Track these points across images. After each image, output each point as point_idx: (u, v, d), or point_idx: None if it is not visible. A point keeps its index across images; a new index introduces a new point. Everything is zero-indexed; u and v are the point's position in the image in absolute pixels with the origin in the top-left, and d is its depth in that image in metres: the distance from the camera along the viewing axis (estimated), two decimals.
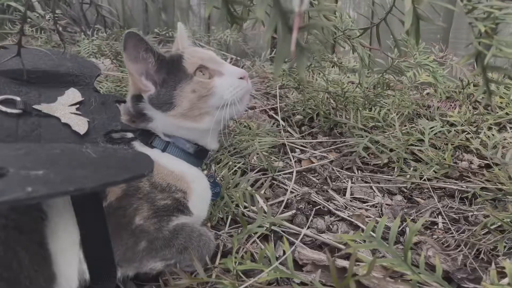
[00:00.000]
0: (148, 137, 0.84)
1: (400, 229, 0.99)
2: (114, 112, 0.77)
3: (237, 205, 1.02)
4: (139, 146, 0.84)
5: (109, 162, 0.58)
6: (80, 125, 0.70)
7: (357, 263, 0.81)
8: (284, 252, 0.89)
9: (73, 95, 0.78)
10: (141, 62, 0.80)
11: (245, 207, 1.03)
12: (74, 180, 0.46)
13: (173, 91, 0.81)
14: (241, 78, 0.85)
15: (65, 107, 0.73)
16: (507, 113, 1.45)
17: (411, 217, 1.03)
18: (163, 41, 2.52)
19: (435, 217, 1.06)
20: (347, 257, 0.86)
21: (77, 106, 0.75)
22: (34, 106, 0.70)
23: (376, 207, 1.11)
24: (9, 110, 0.66)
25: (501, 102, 1.52)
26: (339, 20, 1.16)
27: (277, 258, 0.87)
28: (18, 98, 0.70)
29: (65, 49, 0.89)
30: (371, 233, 0.74)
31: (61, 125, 0.69)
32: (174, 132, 0.85)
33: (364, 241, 0.71)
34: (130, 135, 0.82)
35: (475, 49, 0.64)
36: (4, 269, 0.59)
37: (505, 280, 0.73)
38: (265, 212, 0.89)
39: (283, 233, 0.94)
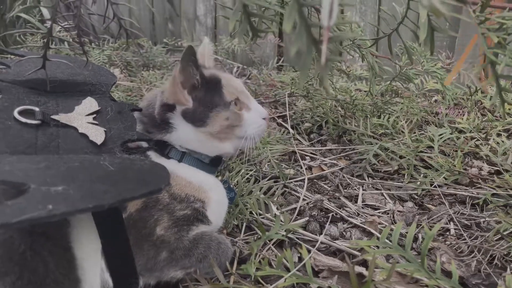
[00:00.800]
0: (164, 148, 0.85)
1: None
2: (130, 121, 0.78)
3: (251, 212, 1.03)
4: (155, 157, 0.84)
5: (126, 175, 0.58)
6: (97, 135, 0.70)
7: (375, 269, 0.82)
8: (299, 259, 0.90)
9: (89, 104, 0.79)
10: (190, 76, 0.82)
11: (259, 214, 1.04)
12: (93, 195, 0.48)
13: (209, 112, 0.84)
14: (263, 118, 0.90)
15: (82, 116, 0.75)
16: None
17: (423, 224, 1.04)
18: (170, 51, 2.55)
19: (447, 223, 1.07)
20: (362, 263, 0.87)
21: (94, 115, 0.76)
22: (52, 116, 0.72)
23: (387, 213, 1.12)
24: (28, 121, 0.68)
25: (509, 109, 1.53)
26: (349, 30, 1.18)
27: (294, 264, 0.89)
28: (36, 109, 0.72)
29: (87, 61, 0.90)
30: (386, 240, 0.75)
31: (78, 135, 0.70)
32: (193, 145, 0.86)
33: (380, 247, 0.72)
34: (145, 144, 0.84)
35: (488, 59, 0.66)
36: (31, 273, 0.60)
37: None
38: (281, 220, 0.90)
39: (297, 240, 0.95)
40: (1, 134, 0.64)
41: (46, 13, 2.92)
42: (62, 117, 0.72)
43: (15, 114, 0.68)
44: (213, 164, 0.89)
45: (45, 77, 0.81)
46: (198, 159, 0.86)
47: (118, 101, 0.87)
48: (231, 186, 0.97)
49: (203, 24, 2.93)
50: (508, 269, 0.82)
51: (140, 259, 0.74)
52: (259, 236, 0.94)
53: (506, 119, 1.48)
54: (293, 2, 0.42)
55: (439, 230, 1.04)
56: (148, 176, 0.59)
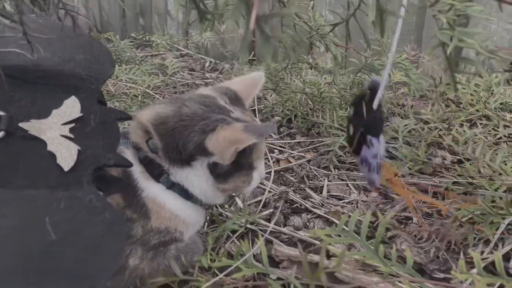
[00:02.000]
0: (155, 169, 0.75)
1: (375, 224, 1.01)
2: (113, 137, 0.65)
3: (216, 207, 1.03)
4: (143, 179, 0.74)
5: (64, 255, 0.48)
6: (67, 156, 0.59)
7: (333, 258, 0.82)
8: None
9: (71, 108, 0.66)
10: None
11: (224, 208, 1.04)
12: None
13: (235, 173, 0.76)
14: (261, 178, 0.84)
15: (57, 126, 0.63)
16: (477, 110, 1.50)
17: (386, 213, 1.06)
18: (141, 46, 2.51)
19: (409, 212, 1.08)
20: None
21: (73, 125, 0.64)
22: (20, 124, 0.60)
23: (352, 203, 1.13)
24: None
25: (471, 100, 1.56)
26: (312, 19, 1.18)
27: (256, 256, 0.89)
28: (2, 113, 0.60)
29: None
30: (345, 227, 0.76)
31: (45, 154, 0.59)
32: (196, 190, 0.77)
33: (338, 235, 0.72)
34: (129, 156, 0.73)
35: (439, 41, 0.67)
36: None
37: (475, 270, 0.76)
38: (241, 211, 0.90)
39: (260, 232, 0.96)
40: None
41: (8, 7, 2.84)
42: (32, 126, 0.61)
43: None
44: None
45: (29, 63, 0.68)
46: (187, 191, 0.77)
47: (107, 105, 0.75)
48: None
49: (174, 19, 2.90)
50: (462, 254, 0.84)
51: None
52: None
53: (469, 109, 1.52)
54: None
55: (402, 218, 1.06)
56: (94, 260, 0.49)
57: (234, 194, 0.83)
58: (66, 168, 0.57)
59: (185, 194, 0.77)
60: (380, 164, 0.66)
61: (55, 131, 0.61)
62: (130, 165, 0.67)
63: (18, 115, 0.61)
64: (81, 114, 0.65)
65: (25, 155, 0.58)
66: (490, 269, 0.82)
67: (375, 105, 0.64)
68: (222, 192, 0.79)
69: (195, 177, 0.75)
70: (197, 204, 0.79)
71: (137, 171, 0.74)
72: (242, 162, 0.76)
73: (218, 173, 0.75)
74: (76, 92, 0.68)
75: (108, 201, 0.56)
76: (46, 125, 0.61)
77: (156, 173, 0.74)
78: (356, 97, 0.69)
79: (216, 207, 1.02)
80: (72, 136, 0.61)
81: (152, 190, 0.74)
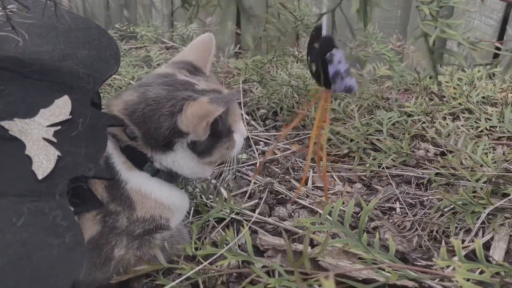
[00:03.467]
0: (139, 159, 0.74)
1: (358, 215, 1.02)
2: (98, 146, 0.62)
3: (201, 196, 1.02)
4: (125, 170, 0.73)
5: (5, 284, 0.44)
6: (44, 163, 0.55)
7: (317, 247, 0.83)
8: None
9: (61, 109, 0.63)
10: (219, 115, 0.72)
11: (209, 199, 1.03)
12: None
13: (216, 144, 0.77)
14: (244, 138, 0.85)
15: (41, 127, 0.59)
16: (460, 103, 1.52)
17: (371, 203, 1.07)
18: (125, 38, 2.48)
19: (393, 203, 1.10)
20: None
21: (58, 127, 0.60)
22: (2, 123, 0.57)
23: (336, 195, 1.13)
24: None
25: (454, 93, 1.59)
26: (297, 9, 1.18)
27: (241, 246, 0.89)
28: None
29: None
30: (328, 216, 0.76)
31: (22, 158, 0.55)
32: (185, 171, 0.78)
33: (322, 224, 0.73)
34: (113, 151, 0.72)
35: (421, 31, 0.67)
36: None
37: (456, 258, 0.77)
38: (225, 201, 0.90)
39: (245, 222, 0.95)
40: None
41: None
42: (14, 125, 0.58)
43: None
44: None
45: (27, 55, 0.66)
46: (170, 175, 0.78)
47: (100, 109, 0.72)
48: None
49: (159, 11, 2.87)
50: (443, 242, 0.85)
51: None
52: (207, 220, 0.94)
53: (451, 103, 1.54)
54: None
55: (385, 209, 1.07)
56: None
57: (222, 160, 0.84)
58: (40, 176, 0.54)
59: (170, 178, 0.77)
60: (348, 70, 0.66)
61: (38, 132, 0.58)
62: (111, 178, 0.65)
63: (2, 111, 0.58)
64: (70, 117, 0.62)
65: (1, 156, 0.55)
66: (471, 257, 0.84)
67: (324, 31, 0.66)
68: (210, 164, 0.81)
69: (181, 160, 0.75)
70: (173, 181, 0.79)
71: (120, 162, 0.73)
72: (219, 131, 0.77)
73: (200, 150, 0.75)
74: (70, 91, 0.66)
75: (74, 220, 0.52)
76: (30, 125, 0.59)
77: (139, 161, 0.74)
78: (309, 42, 0.69)
79: (201, 197, 1.02)
80: (54, 140, 0.59)
81: (136, 180, 0.73)
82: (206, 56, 0.86)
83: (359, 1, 0.59)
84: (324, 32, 0.68)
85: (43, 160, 0.56)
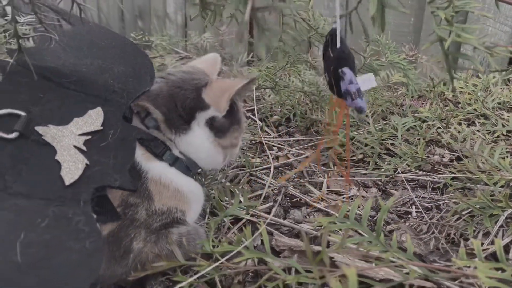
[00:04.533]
0: (158, 147, 0.77)
1: (374, 218, 1.02)
2: (126, 158, 0.63)
3: (214, 198, 1.03)
4: (145, 160, 0.75)
5: (24, 283, 0.45)
6: (72, 170, 0.57)
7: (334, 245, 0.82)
8: (262, 241, 0.90)
9: (94, 119, 0.65)
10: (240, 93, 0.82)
11: (225, 201, 1.04)
12: None
13: (229, 126, 0.84)
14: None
15: (73, 135, 0.61)
16: (475, 109, 1.51)
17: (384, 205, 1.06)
18: (140, 47, 2.51)
19: (409, 207, 1.09)
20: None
21: (89, 137, 0.62)
22: (37, 128, 0.59)
23: (352, 199, 1.13)
24: (2, 134, 0.57)
25: (469, 99, 1.58)
26: (312, 18, 1.19)
27: (256, 247, 0.88)
28: (22, 114, 0.60)
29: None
30: (345, 218, 0.76)
31: (52, 163, 0.57)
32: (200, 154, 0.82)
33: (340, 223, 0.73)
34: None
35: (437, 36, 0.68)
36: None
37: (476, 259, 0.76)
38: (240, 198, 0.91)
39: (260, 222, 0.95)
40: None
41: (9, 10, 2.85)
42: (48, 131, 0.60)
43: None
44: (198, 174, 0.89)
45: (66, 67, 0.69)
46: (188, 167, 0.81)
47: (132, 123, 0.75)
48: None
49: (173, 21, 2.91)
50: (462, 243, 0.84)
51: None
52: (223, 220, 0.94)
53: (467, 108, 1.53)
54: None
55: (401, 213, 1.06)
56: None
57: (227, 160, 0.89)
58: (67, 182, 0.56)
59: (186, 170, 0.80)
60: (359, 90, 0.68)
61: (69, 140, 0.60)
62: (134, 189, 0.65)
63: (38, 117, 0.61)
64: (101, 128, 0.64)
65: (32, 161, 0.57)
66: (489, 260, 0.82)
67: (338, 43, 0.68)
68: (223, 149, 0.84)
69: (198, 139, 0.80)
70: (189, 173, 0.82)
71: (138, 154, 0.74)
72: (234, 115, 0.83)
73: (218, 127, 0.81)
74: (104, 103, 0.68)
75: (96, 227, 0.53)
76: (63, 132, 0.61)
77: (159, 151, 0.77)
78: (323, 47, 0.73)
79: (216, 198, 1.02)
80: (84, 148, 0.60)
81: (156, 170, 0.75)
82: (214, 67, 0.91)
83: (376, 5, 0.59)
84: (338, 43, 0.69)
85: (72, 167, 0.57)
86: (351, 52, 0.72)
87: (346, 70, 0.68)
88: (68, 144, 0.60)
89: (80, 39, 0.80)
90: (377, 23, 0.72)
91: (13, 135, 0.57)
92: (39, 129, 0.59)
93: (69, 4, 0.70)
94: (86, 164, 0.58)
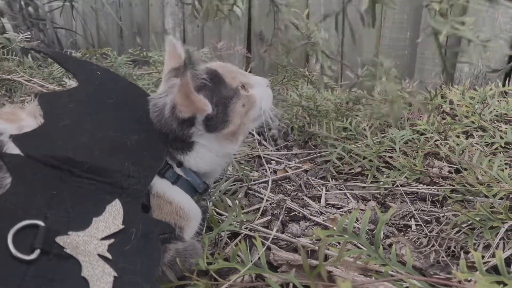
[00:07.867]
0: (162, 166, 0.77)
1: (373, 232, 1.00)
2: (152, 260, 0.59)
3: (214, 208, 1.02)
4: None
5: None
6: (100, 286, 0.54)
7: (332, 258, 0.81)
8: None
9: (113, 216, 0.61)
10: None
11: (221, 215, 1.02)
12: None
13: (228, 108, 0.79)
14: (267, 86, 0.87)
15: (96, 241, 0.57)
16: (472, 122, 1.50)
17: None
18: (138, 64, 2.52)
19: (408, 220, 1.08)
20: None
21: (112, 240, 0.58)
22: (58, 239, 0.55)
23: (350, 212, 1.12)
24: (20, 255, 0.53)
25: (467, 112, 1.58)
26: (306, 27, 1.19)
27: (254, 262, 0.87)
28: (41, 224, 0.56)
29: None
30: (344, 232, 0.75)
31: (79, 280, 0.54)
32: (212, 160, 0.82)
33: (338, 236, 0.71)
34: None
35: (432, 29, 0.67)
36: None
37: (476, 272, 0.75)
38: (234, 212, 0.89)
39: (257, 236, 0.94)
40: None
41: (9, 27, 2.87)
42: (69, 242, 0.56)
43: (9, 239, 0.53)
44: (202, 193, 0.85)
45: (77, 154, 0.63)
46: (192, 185, 0.81)
47: (150, 209, 0.71)
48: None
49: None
50: (462, 256, 0.83)
51: None
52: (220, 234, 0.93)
53: (464, 121, 1.52)
54: None
55: (401, 226, 1.05)
56: None
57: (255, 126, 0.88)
58: None
59: (188, 188, 0.80)
60: None
61: (92, 248, 0.57)
62: None
63: (56, 223, 0.57)
64: (123, 226, 0.60)
65: (58, 281, 0.53)
66: (491, 272, 0.81)
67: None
68: (234, 137, 0.82)
69: (205, 147, 0.80)
70: (192, 194, 0.81)
71: None
72: (220, 96, 0.78)
73: (217, 122, 0.78)
74: (120, 192, 0.64)
75: None
76: (84, 239, 0.57)
77: (162, 168, 0.76)
78: None
79: (213, 208, 1.01)
80: (109, 256, 0.57)
81: (160, 186, 0.75)
82: (178, 55, 0.87)
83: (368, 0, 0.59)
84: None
85: (101, 283, 0.54)
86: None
87: None
88: (93, 253, 0.56)
89: (89, 101, 0.75)
90: (369, 17, 0.71)
91: (34, 255, 0.53)
92: (60, 240, 0.56)
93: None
94: (114, 276, 0.55)
